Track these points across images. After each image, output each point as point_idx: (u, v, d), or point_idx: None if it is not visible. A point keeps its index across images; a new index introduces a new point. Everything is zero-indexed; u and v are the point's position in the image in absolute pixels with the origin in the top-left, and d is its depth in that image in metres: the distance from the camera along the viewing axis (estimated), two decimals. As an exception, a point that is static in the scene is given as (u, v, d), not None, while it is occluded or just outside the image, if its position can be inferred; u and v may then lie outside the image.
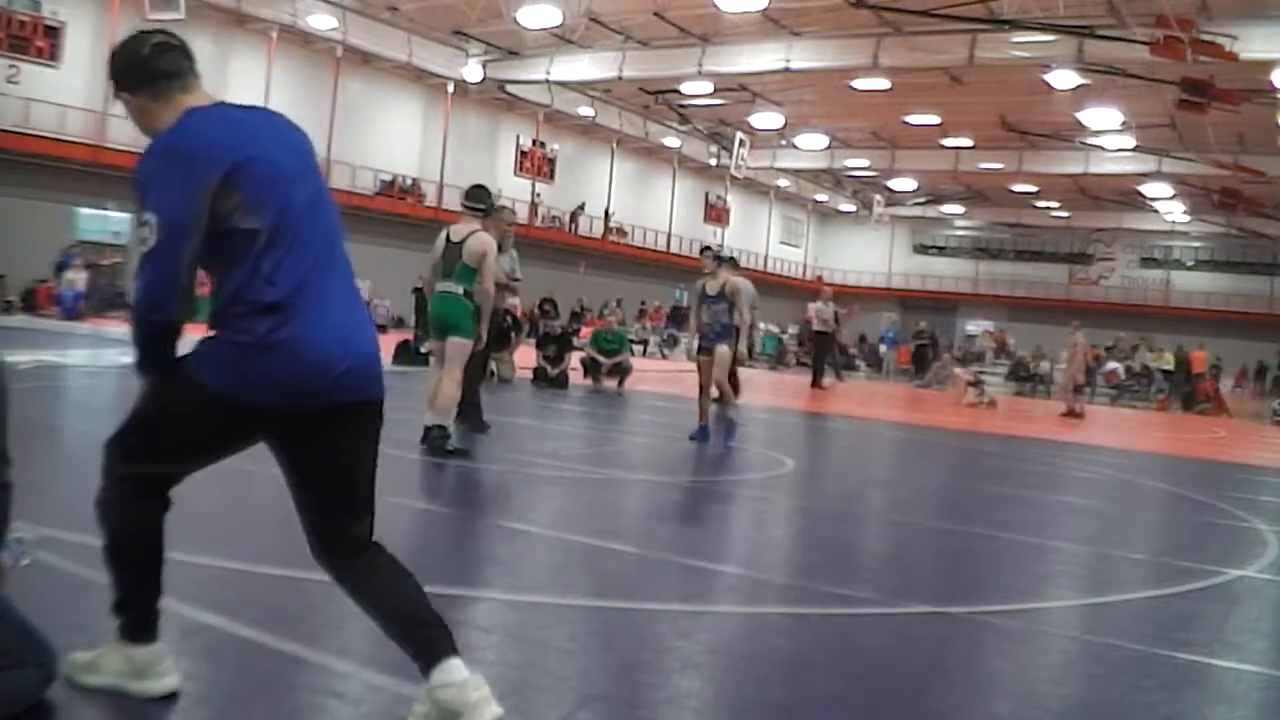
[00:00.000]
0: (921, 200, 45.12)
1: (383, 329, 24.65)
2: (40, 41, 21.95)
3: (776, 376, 25.57)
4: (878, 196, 42.91)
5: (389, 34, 28.04)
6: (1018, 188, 40.16)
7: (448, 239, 6.76)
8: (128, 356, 2.27)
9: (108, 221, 22.93)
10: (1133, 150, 30.99)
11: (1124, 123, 28.21)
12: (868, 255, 48.58)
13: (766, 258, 45.15)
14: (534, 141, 33.67)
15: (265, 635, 2.91)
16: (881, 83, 26.87)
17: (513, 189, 30.21)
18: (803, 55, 25.30)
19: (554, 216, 35.12)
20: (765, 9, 23.02)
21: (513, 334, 11.67)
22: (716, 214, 42.76)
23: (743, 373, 10.06)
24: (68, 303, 19.81)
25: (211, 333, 2.24)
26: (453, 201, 28.79)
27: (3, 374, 2.37)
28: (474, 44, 28.85)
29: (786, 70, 25.76)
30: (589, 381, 14.41)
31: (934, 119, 31.66)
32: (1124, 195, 38.36)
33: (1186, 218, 39.52)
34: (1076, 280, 45.55)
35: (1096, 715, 3.02)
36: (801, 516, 6.36)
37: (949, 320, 44.00)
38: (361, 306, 2.41)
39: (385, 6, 26.93)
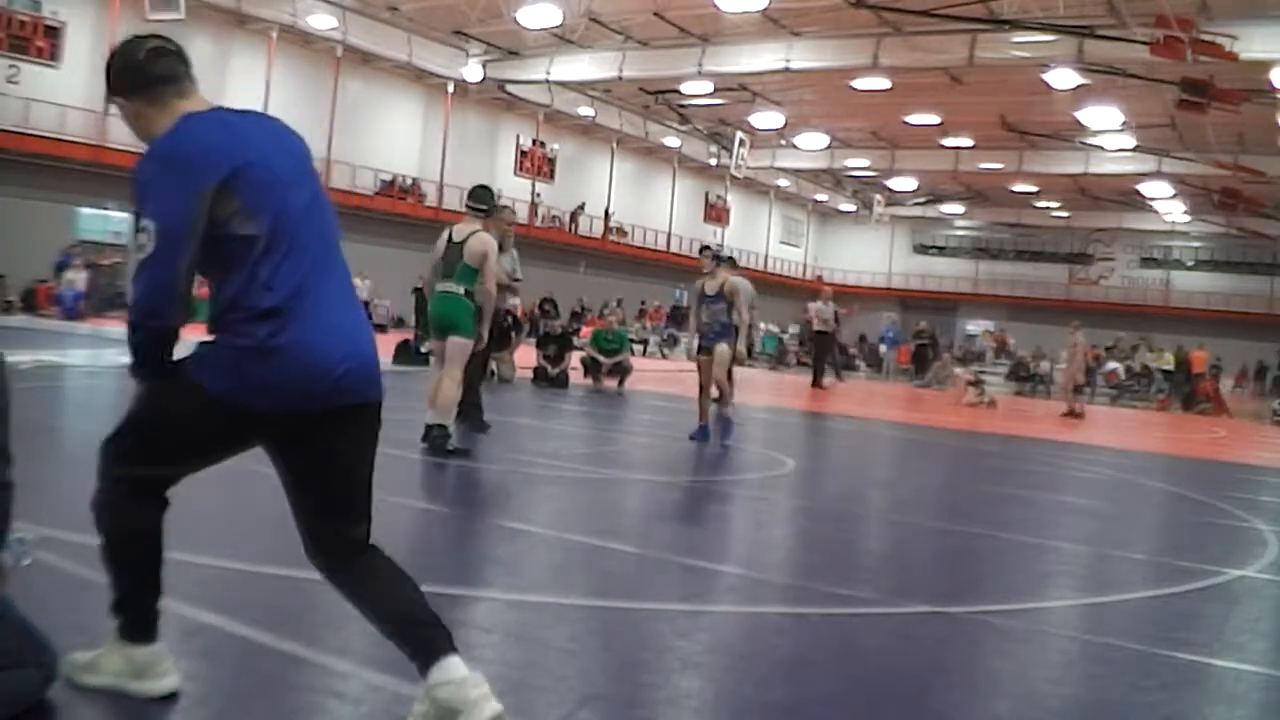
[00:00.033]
0: (921, 200, 45.13)
1: (382, 329, 24.65)
2: (40, 41, 21.96)
3: (776, 376, 25.58)
4: (878, 196, 42.92)
5: (389, 34, 28.04)
6: (1018, 188, 40.17)
7: (449, 239, 6.77)
8: (126, 357, 2.28)
9: (108, 221, 22.94)
10: (1133, 150, 31.00)
11: (1124, 123, 28.21)
12: (868, 255, 48.58)
13: (766, 258, 45.16)
14: (534, 141, 33.68)
15: (265, 635, 2.91)
16: (881, 83, 26.86)
17: (513, 189, 30.22)
18: (803, 55, 25.31)
19: (554, 216, 35.12)
20: (765, 9, 23.02)
21: (513, 334, 11.67)
22: (716, 214, 42.77)
23: (742, 373, 10.08)
24: (68, 303, 19.81)
25: (210, 337, 2.24)
26: (452, 201, 28.86)
27: (5, 374, 2.38)
28: (474, 44, 28.86)
29: (786, 70, 25.76)
30: (589, 381, 14.42)
31: (934, 119, 31.66)
32: (1124, 195, 38.36)
33: (1186, 218, 39.52)
34: (1076, 280, 45.56)
35: (1096, 715, 3.02)
36: (801, 516, 6.36)
37: (949, 320, 44.00)
38: (359, 308, 2.41)
39: (385, 6, 26.93)
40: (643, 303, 35.31)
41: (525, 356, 13.85)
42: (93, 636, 2.46)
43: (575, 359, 14.67)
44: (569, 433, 10.03)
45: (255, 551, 3.77)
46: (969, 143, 34.86)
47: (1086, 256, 45.72)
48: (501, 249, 7.87)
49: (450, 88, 30.55)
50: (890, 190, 42.84)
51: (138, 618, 2.36)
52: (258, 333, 2.17)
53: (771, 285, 40.81)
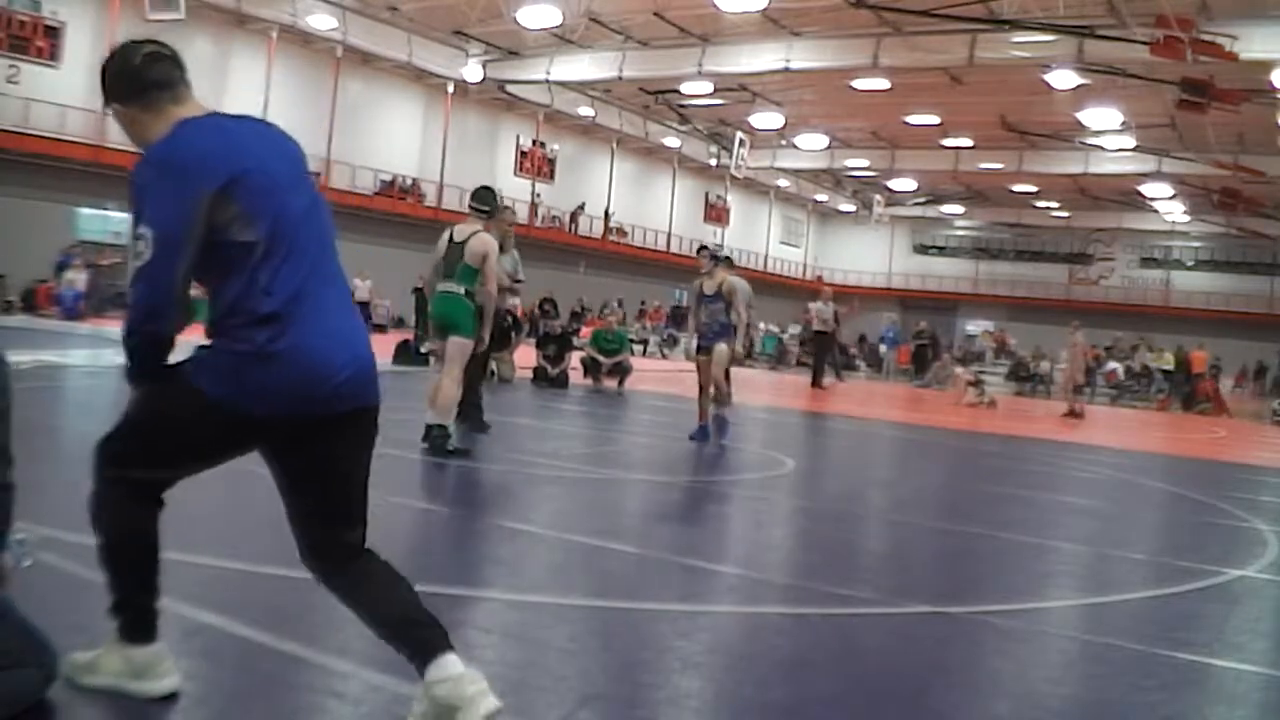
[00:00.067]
0: (921, 200, 45.12)
1: (382, 329, 24.66)
2: (40, 41, 21.94)
3: (776, 376, 25.57)
4: (878, 196, 42.91)
5: (389, 34, 28.03)
6: (1018, 188, 40.16)
7: (451, 239, 6.78)
8: (123, 360, 2.28)
9: (108, 221, 22.91)
10: (1133, 150, 30.99)
11: (1124, 123, 28.21)
12: (868, 255, 48.57)
13: (766, 258, 45.17)
14: (534, 141, 33.66)
15: (265, 635, 2.91)
16: (881, 83, 26.87)
17: (513, 189, 30.19)
18: (803, 55, 25.30)
19: (554, 216, 35.12)
20: (765, 9, 23.01)
21: (513, 334, 11.68)
22: (716, 214, 42.76)
23: (742, 373, 10.09)
24: (68, 303, 19.80)
25: (209, 341, 2.25)
26: (452, 202, 28.87)
27: (6, 374, 2.38)
28: (474, 44, 28.85)
29: (786, 70, 25.75)
30: (589, 381, 14.42)
31: (934, 119, 31.65)
32: (1124, 195, 38.36)
33: (1186, 218, 39.51)
34: (1076, 280, 45.55)
35: (1096, 715, 3.02)
36: (801, 516, 6.36)
37: (949, 320, 43.99)
38: (355, 313, 2.42)
39: (385, 6, 26.93)
40: (643, 303, 35.31)
41: (525, 356, 13.84)
42: (93, 636, 2.46)
43: (575, 359, 14.67)
44: (569, 433, 10.03)
45: (255, 551, 3.77)
46: (969, 143, 34.85)
47: (1086, 256, 45.71)
48: (502, 249, 7.89)
49: (450, 88, 30.55)
50: (890, 190, 42.84)
51: (137, 618, 2.36)
52: (257, 338, 2.18)
53: (771, 285, 40.82)
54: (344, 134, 27.79)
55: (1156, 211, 39.79)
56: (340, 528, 2.34)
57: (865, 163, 39.06)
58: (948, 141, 34.99)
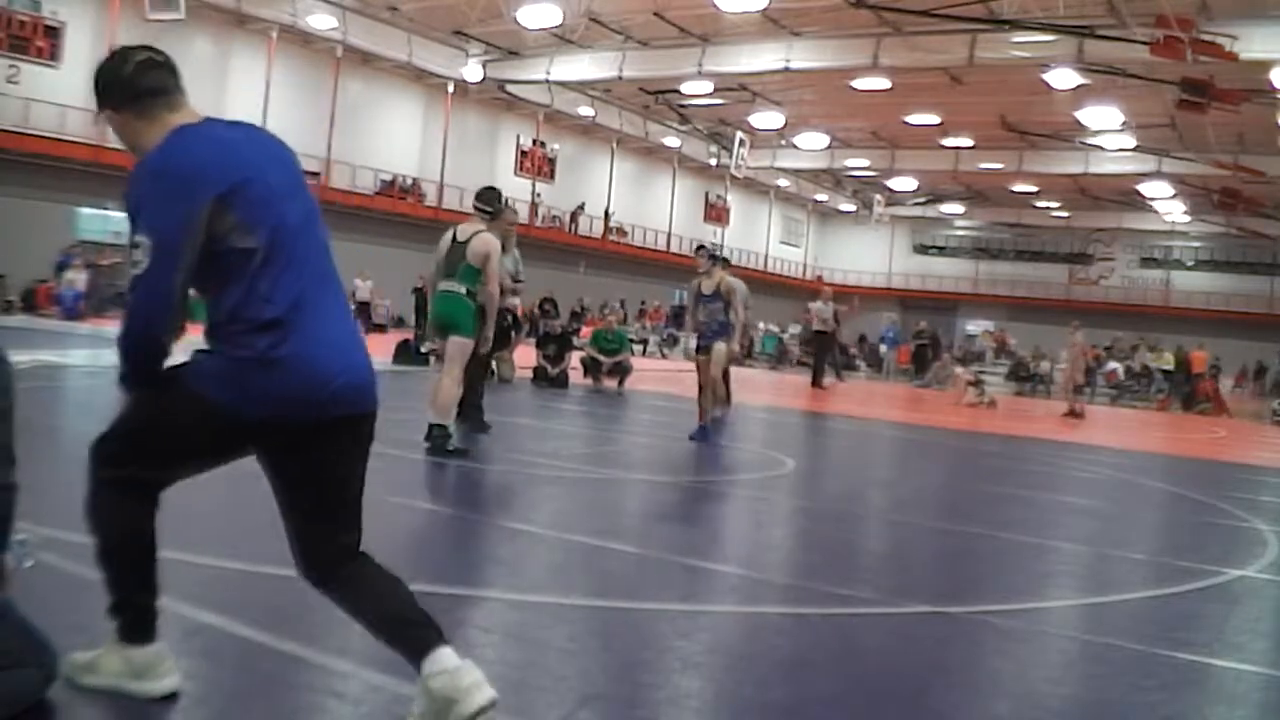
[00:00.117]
0: (921, 200, 45.13)
1: (382, 329, 24.65)
2: (40, 41, 21.96)
3: (776, 376, 25.57)
4: (878, 196, 42.92)
5: (389, 34, 28.04)
6: (1018, 188, 40.17)
7: (453, 238, 6.78)
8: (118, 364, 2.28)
9: (108, 221, 22.91)
10: (1133, 150, 31.00)
11: (1124, 123, 28.21)
12: (868, 255, 48.58)
13: (766, 257, 45.17)
14: (534, 141, 33.67)
15: (265, 635, 2.91)
16: (881, 83, 26.86)
17: (513, 189, 30.15)
18: (803, 55, 25.31)
19: (554, 216, 35.12)
20: (765, 9, 23.02)
21: (513, 333, 11.68)
22: (716, 214, 42.77)
23: (742, 373, 10.09)
24: (68, 303, 19.81)
25: (207, 347, 2.26)
26: (452, 202, 28.89)
27: (7, 375, 2.37)
28: (474, 44, 28.85)
29: (786, 70, 25.76)
30: (589, 381, 14.42)
31: (934, 119, 31.66)
32: (1124, 195, 38.36)
33: (1186, 218, 39.52)
34: (1076, 280, 45.57)
35: (1096, 715, 3.02)
36: (801, 516, 6.36)
37: (949, 320, 44.00)
38: (352, 319, 2.44)
39: (385, 6, 26.93)
40: (643, 303, 35.31)
41: (525, 356, 13.84)
42: (93, 636, 2.46)
43: (575, 359, 14.67)
44: (569, 433, 10.03)
45: (255, 551, 3.77)
46: (969, 143, 34.86)
47: (1086, 256, 45.73)
48: (504, 249, 7.88)
49: (450, 88, 30.55)
50: (890, 190, 42.85)
51: (136, 619, 2.37)
52: (258, 344, 2.19)
53: (771, 285, 40.84)
54: (344, 134, 27.80)
55: (1156, 211, 39.80)
56: (336, 530, 2.34)
57: (865, 163, 39.07)
58: (948, 141, 34.99)
